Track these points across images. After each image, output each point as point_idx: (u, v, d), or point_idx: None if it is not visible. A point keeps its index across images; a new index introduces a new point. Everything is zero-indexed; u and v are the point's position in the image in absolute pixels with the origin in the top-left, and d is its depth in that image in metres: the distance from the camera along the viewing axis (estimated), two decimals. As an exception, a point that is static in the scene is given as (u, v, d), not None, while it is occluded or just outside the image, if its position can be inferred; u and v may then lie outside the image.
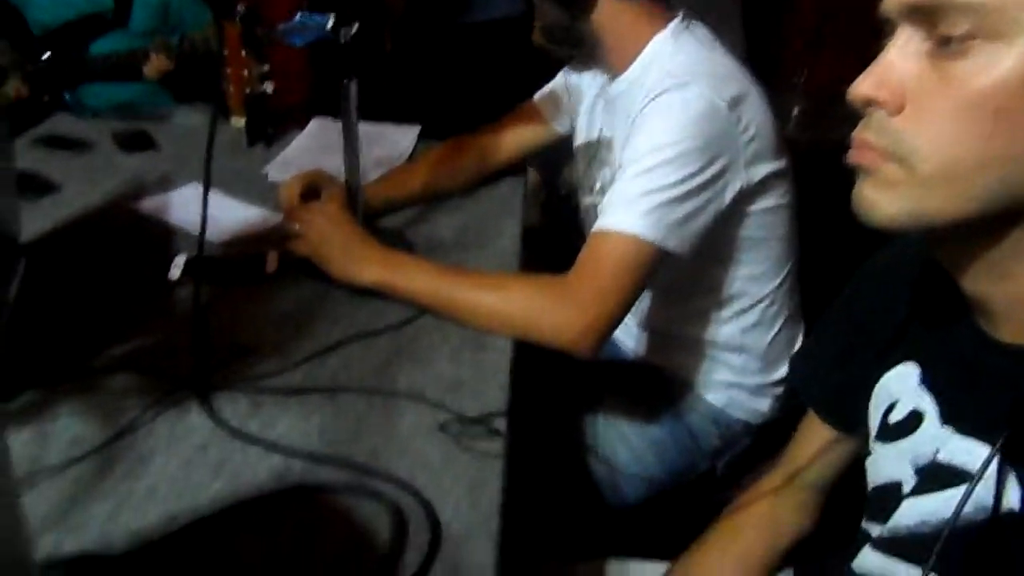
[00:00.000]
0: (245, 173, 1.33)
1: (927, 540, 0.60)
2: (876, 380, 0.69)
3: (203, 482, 0.73)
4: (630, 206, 0.92)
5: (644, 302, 1.17)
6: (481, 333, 0.94)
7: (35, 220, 1.11)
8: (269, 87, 1.40)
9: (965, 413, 0.60)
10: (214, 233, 1.12)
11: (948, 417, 0.61)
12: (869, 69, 0.53)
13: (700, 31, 1.03)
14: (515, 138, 1.26)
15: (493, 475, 0.75)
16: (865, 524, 0.71)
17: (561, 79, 1.23)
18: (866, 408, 0.71)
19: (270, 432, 0.79)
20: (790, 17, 2.39)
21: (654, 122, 0.95)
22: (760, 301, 1.10)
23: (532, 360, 0.96)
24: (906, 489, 0.64)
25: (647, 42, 1.02)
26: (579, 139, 1.20)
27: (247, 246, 1.11)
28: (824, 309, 0.82)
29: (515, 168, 1.34)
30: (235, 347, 0.90)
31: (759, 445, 1.17)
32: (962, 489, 0.56)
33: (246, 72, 1.19)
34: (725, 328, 1.12)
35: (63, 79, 1.72)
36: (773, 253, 1.09)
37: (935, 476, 0.61)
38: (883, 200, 0.53)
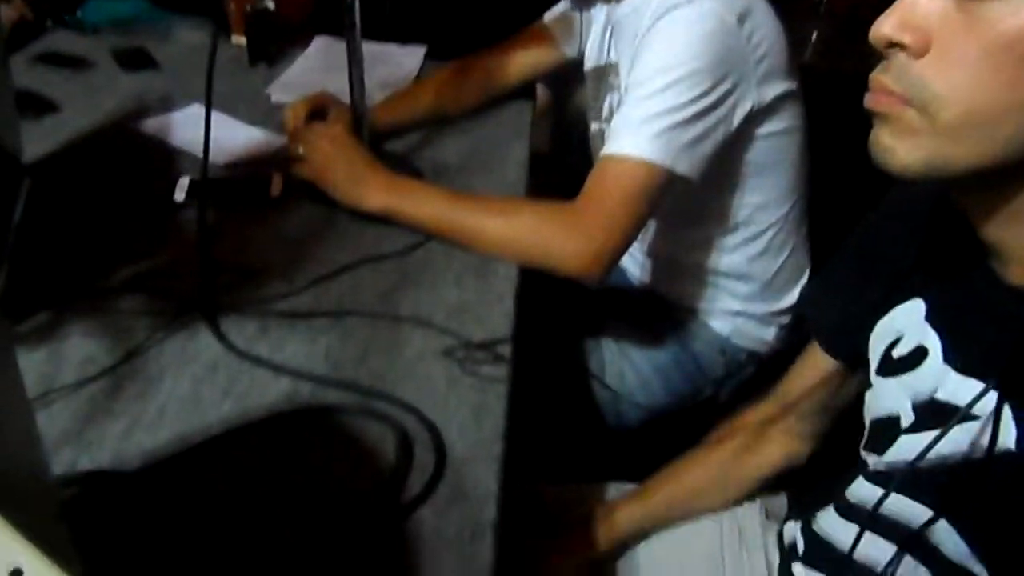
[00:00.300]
0: (247, 93, 1.30)
1: (923, 474, 0.61)
2: (883, 314, 0.70)
3: (212, 403, 0.74)
4: (638, 130, 0.91)
5: (651, 229, 1.16)
6: (487, 259, 0.94)
7: (37, 140, 1.10)
8: (271, 3, 1.37)
9: (968, 352, 0.60)
10: (217, 155, 1.11)
11: (950, 355, 0.61)
12: (893, 7, 0.51)
13: None
14: (523, 60, 1.23)
15: (497, 400, 0.76)
16: (863, 455, 0.72)
17: (571, 1, 1.19)
18: (867, 341, 0.71)
19: (277, 354, 0.80)
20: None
21: (661, 41, 0.92)
22: (768, 229, 1.09)
23: (538, 286, 0.96)
24: (904, 423, 0.65)
25: None
26: (588, 64, 1.16)
27: (251, 168, 1.10)
28: (833, 240, 0.81)
29: (523, 91, 1.31)
30: (241, 270, 0.90)
31: (763, 374, 1.19)
32: (960, 426, 0.57)
33: (247, -12, 1.16)
34: (732, 256, 1.11)
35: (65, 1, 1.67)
36: (782, 180, 1.07)
37: (933, 413, 0.62)
38: (901, 148, 0.52)
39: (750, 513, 0.94)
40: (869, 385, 0.72)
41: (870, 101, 0.53)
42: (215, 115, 1.22)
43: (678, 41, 0.91)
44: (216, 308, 0.84)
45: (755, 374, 1.19)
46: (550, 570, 0.89)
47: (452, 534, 0.64)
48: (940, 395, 0.61)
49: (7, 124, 0.99)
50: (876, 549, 0.66)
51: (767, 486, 0.94)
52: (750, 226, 1.09)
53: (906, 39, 0.50)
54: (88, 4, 1.75)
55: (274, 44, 1.44)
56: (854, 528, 0.69)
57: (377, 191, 0.96)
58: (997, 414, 0.56)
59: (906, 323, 0.67)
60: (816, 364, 0.84)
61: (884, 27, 0.51)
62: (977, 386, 0.58)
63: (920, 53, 0.50)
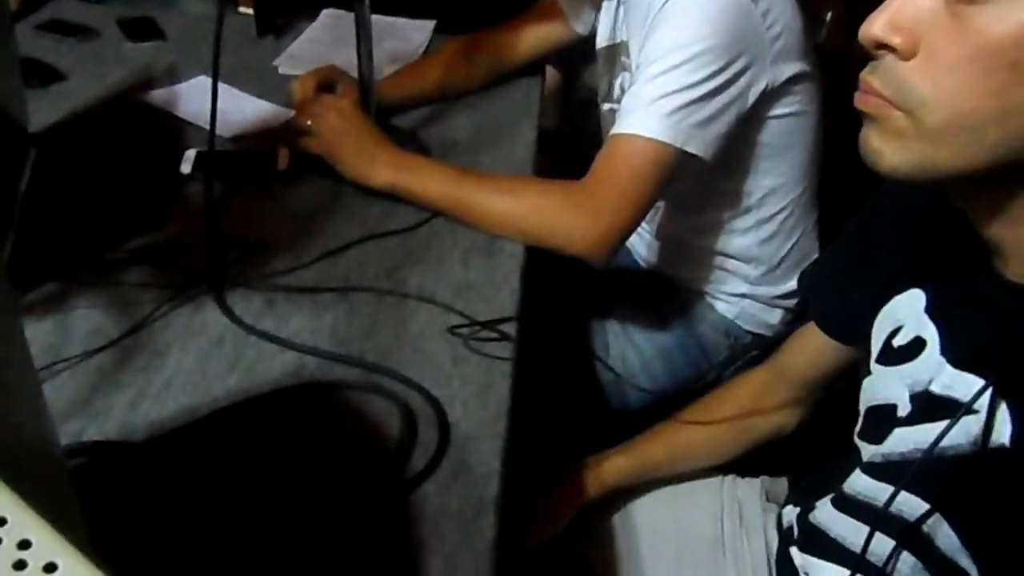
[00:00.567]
0: (255, 65, 1.29)
1: (920, 468, 0.61)
2: (884, 302, 0.70)
3: (218, 376, 0.74)
4: (649, 109, 0.89)
5: (660, 211, 1.15)
6: (493, 237, 0.94)
7: (43, 110, 1.10)
8: (279, -26, 1.36)
9: (964, 346, 0.60)
10: (223, 128, 1.10)
11: (947, 348, 0.61)
12: (883, 6, 0.50)
13: None
14: (533, 36, 1.22)
15: (502, 378, 0.77)
16: (857, 441, 0.72)
17: None
18: (870, 328, 0.71)
19: (283, 329, 0.80)
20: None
21: (674, 19, 0.90)
22: (779, 212, 1.09)
23: (544, 265, 0.96)
24: (901, 412, 0.66)
25: None
26: (599, 43, 1.15)
27: (258, 141, 1.10)
28: (841, 224, 0.81)
29: (532, 68, 1.30)
30: (248, 243, 0.90)
31: (766, 357, 1.18)
32: (957, 421, 0.58)
33: (254, -43, 1.15)
34: (741, 239, 1.11)
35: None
36: (795, 163, 1.06)
37: (928, 406, 0.62)
38: (888, 150, 0.51)
39: (750, 494, 0.94)
40: (868, 372, 0.72)
41: (859, 101, 0.53)
42: (222, 87, 1.22)
43: (692, 18, 0.89)
44: (223, 282, 0.84)
45: (759, 357, 1.19)
46: (540, 516, 0.91)
47: (455, 510, 0.64)
48: (935, 388, 0.61)
49: (13, 93, 0.98)
50: (878, 542, 0.67)
51: (769, 464, 0.95)
52: (761, 209, 1.08)
53: (894, 41, 0.50)
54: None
55: (282, 16, 1.43)
56: (852, 522, 0.70)
57: (384, 167, 0.96)
58: (991, 410, 0.56)
59: (907, 313, 0.67)
60: (813, 341, 0.85)
61: (873, 28, 0.50)
62: (972, 380, 0.58)
63: (908, 56, 0.50)
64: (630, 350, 1.14)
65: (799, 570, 0.78)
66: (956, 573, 0.61)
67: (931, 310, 0.64)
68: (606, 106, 1.16)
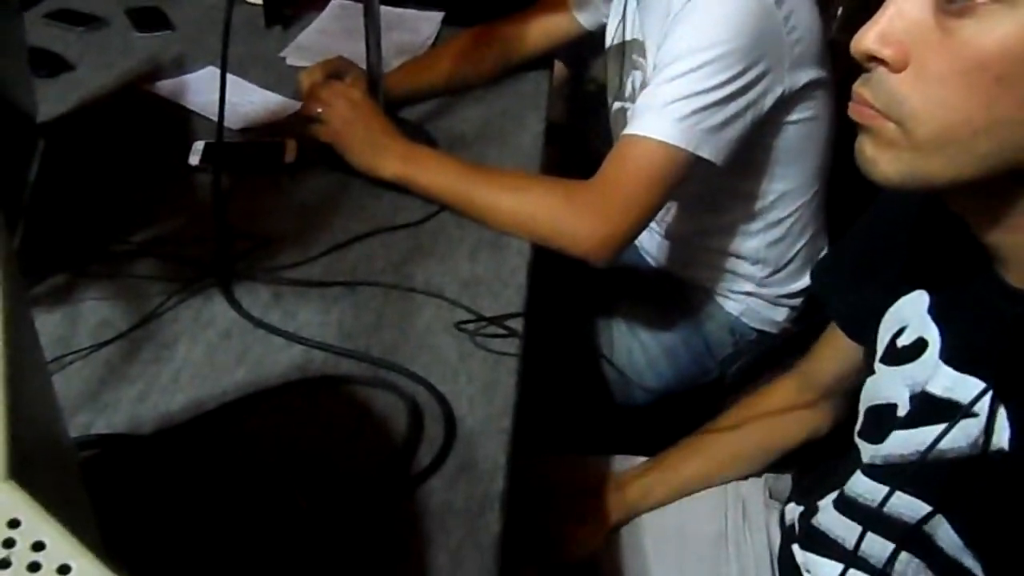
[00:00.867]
0: (262, 56, 1.29)
1: (922, 469, 0.62)
2: (892, 302, 0.70)
3: (226, 369, 0.75)
4: (663, 111, 0.88)
5: (672, 212, 1.15)
6: (501, 233, 0.94)
7: (51, 100, 1.10)
8: (287, -36, 1.35)
9: (965, 349, 0.60)
10: (231, 119, 1.10)
11: (946, 351, 0.62)
12: (875, 18, 0.50)
13: None
14: (540, 30, 1.21)
15: (508, 374, 0.77)
16: (857, 440, 0.73)
17: None
18: (877, 328, 0.72)
19: (290, 323, 0.80)
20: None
21: (695, 19, 0.89)
22: (788, 216, 1.08)
23: (551, 262, 0.96)
24: (900, 412, 0.66)
25: None
26: (610, 39, 1.14)
27: (265, 133, 1.10)
28: (850, 224, 0.81)
29: (541, 61, 1.30)
30: (255, 236, 0.90)
31: (771, 354, 1.19)
32: (956, 423, 0.58)
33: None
34: (750, 241, 1.10)
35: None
36: (808, 167, 1.05)
37: (928, 408, 0.62)
38: (881, 159, 0.52)
39: (754, 491, 0.95)
40: (872, 372, 0.72)
41: (852, 111, 0.53)
42: (231, 78, 1.22)
43: (713, 20, 0.88)
44: (231, 275, 0.84)
45: (764, 354, 1.19)
46: (568, 540, 0.91)
47: (460, 506, 0.65)
48: (934, 389, 0.62)
49: (21, 83, 0.98)
50: (875, 542, 0.67)
51: (774, 462, 0.95)
52: (772, 212, 1.08)
53: (885, 53, 0.50)
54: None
55: (290, 6, 1.43)
56: (853, 524, 0.70)
57: (393, 159, 0.96)
58: (991, 414, 0.56)
59: (911, 314, 0.67)
60: (839, 344, 0.84)
61: (865, 40, 0.51)
62: (973, 383, 0.58)
63: (898, 68, 0.50)
64: (636, 347, 1.14)
65: (801, 568, 0.79)
66: (960, 572, 0.61)
67: (934, 312, 0.64)
68: (617, 105, 1.15)
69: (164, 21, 1.36)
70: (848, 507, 0.72)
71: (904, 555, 0.65)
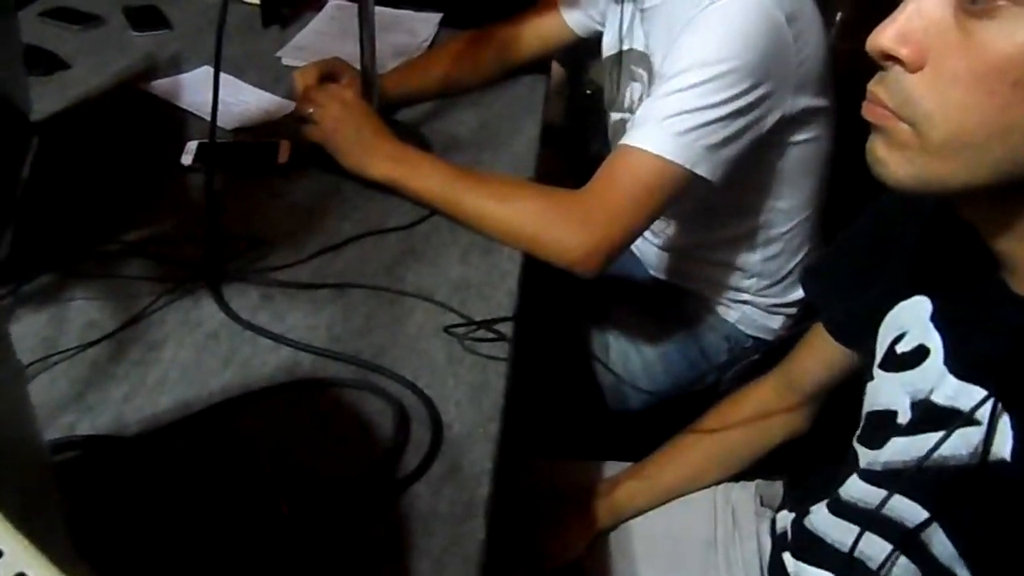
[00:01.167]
0: (258, 56, 1.29)
1: (921, 475, 0.61)
2: (890, 307, 0.69)
3: (213, 371, 0.74)
4: (662, 124, 0.86)
5: (671, 225, 1.14)
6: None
7: (45, 98, 1.10)
8: (284, -36, 1.35)
9: (968, 357, 0.60)
10: (226, 119, 1.10)
11: (950, 358, 0.61)
12: (893, 16, 0.50)
13: None
14: (535, 34, 1.21)
15: (497, 378, 0.76)
16: (856, 445, 0.72)
17: None
18: (875, 333, 0.71)
19: (279, 325, 0.80)
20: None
21: (703, 32, 0.87)
22: (787, 232, 1.08)
23: (547, 266, 0.95)
24: (901, 419, 0.65)
25: None
26: (609, 49, 1.13)
27: (259, 134, 1.10)
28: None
29: (538, 65, 1.29)
30: (246, 238, 0.90)
31: (768, 361, 1.18)
32: (959, 431, 0.57)
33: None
34: (748, 255, 1.09)
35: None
36: (809, 185, 1.05)
37: (929, 415, 0.62)
38: (892, 161, 0.51)
39: (745, 497, 0.94)
40: (871, 377, 0.72)
41: (866, 111, 0.53)
42: (226, 78, 1.22)
43: (723, 35, 0.86)
44: (220, 276, 0.84)
45: (759, 361, 1.18)
46: (554, 545, 0.91)
47: (445, 511, 0.64)
48: (936, 397, 0.61)
49: (15, 81, 0.98)
50: (870, 546, 0.67)
51: (765, 467, 0.94)
52: (772, 228, 1.07)
53: (902, 52, 0.49)
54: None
55: (288, 6, 1.42)
56: (847, 526, 0.70)
57: (383, 160, 0.95)
58: (993, 422, 0.56)
59: (911, 320, 0.66)
60: (822, 347, 0.84)
61: (882, 38, 0.50)
62: (974, 391, 0.58)
63: (915, 68, 0.49)
64: (631, 352, 1.13)
65: (791, 576, 0.78)
66: None
67: (936, 319, 0.64)
68: (617, 116, 1.13)
69: (162, 20, 1.36)
70: (844, 510, 0.71)
71: (903, 559, 0.65)
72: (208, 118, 0.84)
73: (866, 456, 0.70)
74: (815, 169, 1.03)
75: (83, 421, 0.68)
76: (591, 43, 1.20)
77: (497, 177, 0.98)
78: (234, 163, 1.02)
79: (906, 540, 0.63)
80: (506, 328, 0.82)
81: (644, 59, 1.04)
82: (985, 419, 0.56)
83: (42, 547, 0.27)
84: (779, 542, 0.83)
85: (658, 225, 1.15)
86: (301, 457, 0.67)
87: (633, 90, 1.08)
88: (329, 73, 1.12)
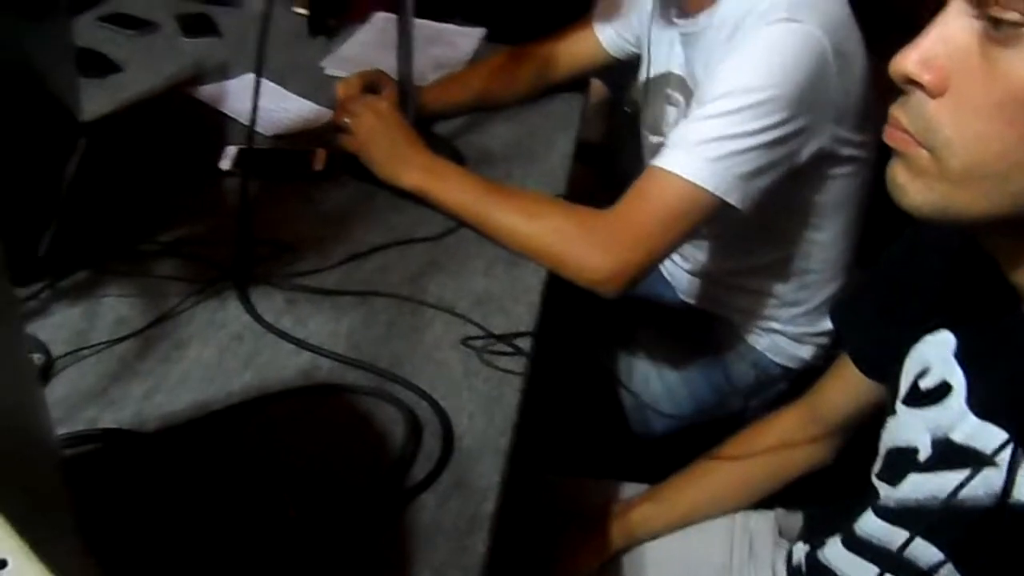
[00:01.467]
0: (303, 65, 1.32)
1: (938, 516, 0.60)
2: (915, 341, 0.68)
3: (234, 371, 0.76)
4: (695, 149, 0.85)
5: (701, 251, 1.13)
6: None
7: (97, 100, 1.14)
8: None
9: (990, 396, 0.58)
10: (266, 126, 1.13)
11: (972, 396, 0.59)
12: (916, 42, 0.49)
13: None
14: (572, 53, 1.21)
15: (511, 392, 0.76)
16: (875, 480, 0.70)
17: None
18: (900, 367, 0.69)
19: (301, 329, 0.81)
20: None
21: (747, 57, 0.85)
22: (823, 262, 1.06)
23: (572, 284, 0.95)
24: (921, 456, 0.64)
25: None
26: (647, 71, 1.12)
27: (297, 141, 1.12)
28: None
29: (577, 83, 1.30)
30: (276, 242, 0.91)
31: (794, 390, 1.16)
32: (980, 472, 0.56)
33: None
34: (781, 284, 1.08)
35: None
36: (846, 217, 1.03)
37: (949, 454, 0.60)
38: (911, 187, 0.51)
39: (763, 527, 0.93)
40: (893, 412, 0.70)
41: (887, 135, 0.52)
42: (270, 85, 1.25)
43: (765, 62, 0.85)
44: (248, 279, 0.85)
45: (787, 391, 1.16)
46: (567, 564, 0.90)
47: (449, 524, 0.64)
48: (956, 437, 0.60)
49: (67, 83, 1.02)
50: None
51: (786, 497, 0.93)
52: (806, 259, 1.05)
53: (924, 78, 0.48)
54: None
55: (335, 17, 1.45)
56: (860, 562, 0.68)
57: (413, 169, 0.97)
58: (1013, 465, 0.54)
59: (935, 355, 0.65)
60: (849, 379, 0.82)
61: (905, 63, 0.49)
62: (994, 432, 0.56)
63: (936, 94, 0.48)
64: (653, 374, 1.12)
65: (804, 610, 0.76)
66: None
67: (960, 355, 0.62)
68: (655, 139, 1.12)
69: (212, 27, 1.40)
70: (858, 546, 0.70)
71: None
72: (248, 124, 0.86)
73: (884, 490, 0.68)
74: (853, 202, 1.02)
75: (105, 414, 0.70)
76: (633, 63, 1.20)
77: (526, 193, 0.99)
78: (270, 169, 1.05)
79: None
80: (524, 343, 0.82)
81: (682, 83, 1.04)
82: (1003, 462, 0.55)
83: (48, 550, 0.28)
84: (794, 574, 0.81)
85: (688, 250, 1.14)
86: (311, 461, 0.68)
87: (669, 114, 1.07)
88: (371, 84, 1.14)
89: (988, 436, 0.57)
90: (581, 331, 1.14)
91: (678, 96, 1.05)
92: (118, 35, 1.35)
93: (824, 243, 1.04)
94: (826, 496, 0.89)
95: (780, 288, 1.08)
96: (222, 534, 0.61)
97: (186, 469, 0.66)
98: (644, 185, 0.89)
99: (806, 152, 0.90)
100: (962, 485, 0.56)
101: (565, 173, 1.11)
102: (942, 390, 0.63)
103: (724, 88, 0.86)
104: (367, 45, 1.41)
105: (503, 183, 1.00)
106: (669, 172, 0.87)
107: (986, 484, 0.56)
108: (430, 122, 1.17)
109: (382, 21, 1.48)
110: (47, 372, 0.73)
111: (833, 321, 0.88)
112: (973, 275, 0.61)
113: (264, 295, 0.85)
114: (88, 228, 0.90)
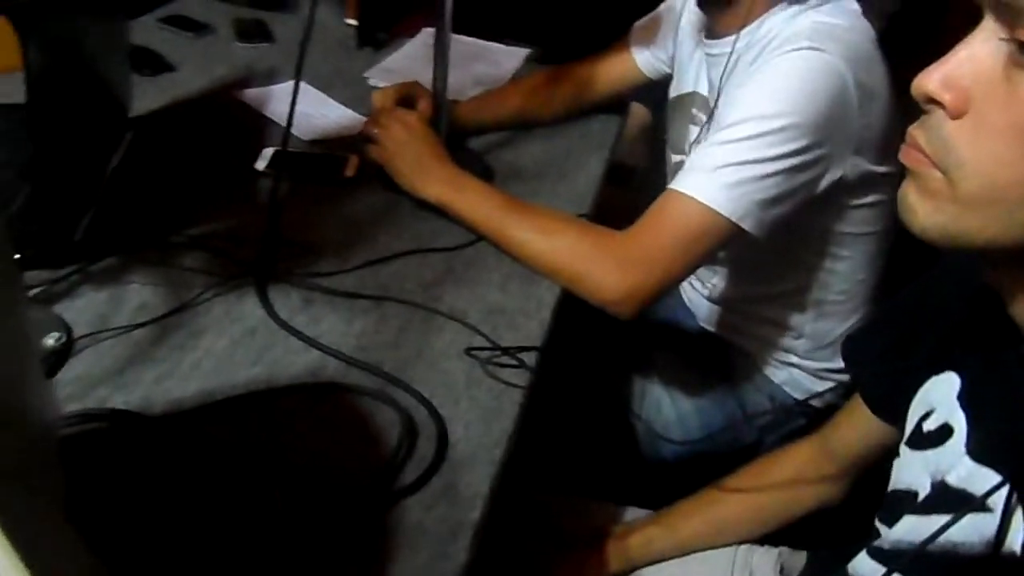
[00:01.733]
0: (348, 74, 1.36)
1: (930, 559, 0.58)
2: (922, 383, 0.66)
3: (243, 365, 0.78)
4: (713, 174, 0.85)
5: (718, 276, 1.12)
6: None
7: (148, 97, 1.19)
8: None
9: (986, 438, 0.57)
10: (305, 130, 1.16)
11: (971, 439, 0.58)
12: (943, 59, 0.48)
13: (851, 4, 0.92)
14: (609, 74, 1.22)
15: (511, 405, 0.77)
16: (876, 522, 0.69)
17: (663, 8, 1.15)
18: (907, 408, 0.68)
19: (314, 328, 0.83)
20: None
21: (769, 83, 0.86)
22: (842, 293, 1.04)
23: (589, 306, 0.95)
24: (920, 499, 0.62)
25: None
26: (674, 92, 1.13)
27: (332, 147, 1.15)
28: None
29: (615, 105, 1.30)
30: (300, 242, 0.94)
31: (813, 427, 1.14)
32: (967, 516, 0.54)
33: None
34: (799, 315, 1.06)
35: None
36: (867, 248, 1.01)
37: (943, 497, 0.59)
38: (921, 209, 0.50)
39: (766, 562, 0.91)
40: (898, 454, 0.69)
41: (903, 154, 0.51)
42: (313, 92, 1.29)
43: (786, 88, 0.84)
44: (269, 276, 0.88)
45: (806, 426, 1.14)
46: None
47: (433, 528, 0.65)
48: (951, 479, 0.58)
49: (120, 79, 1.07)
50: None
51: (791, 536, 0.91)
52: (824, 289, 1.04)
53: (945, 98, 0.48)
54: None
55: (384, 30, 1.49)
56: None
57: (436, 182, 0.98)
58: (1007, 511, 0.52)
59: (940, 397, 0.63)
60: (861, 417, 0.81)
61: (928, 83, 0.49)
62: (989, 475, 0.55)
63: (956, 115, 0.48)
64: (665, 401, 1.11)
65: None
66: None
67: (963, 397, 0.61)
68: (677, 158, 1.13)
69: (266, 33, 1.45)
70: None
71: None
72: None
73: (882, 533, 0.67)
74: (875, 233, 1.00)
75: (116, 396, 0.72)
76: (669, 84, 1.20)
77: (545, 211, 0.99)
78: (303, 171, 1.08)
79: None
80: (530, 358, 0.82)
81: (705, 104, 1.04)
82: (996, 506, 0.53)
83: (33, 532, 0.29)
84: (789, 613, 0.79)
85: (705, 275, 1.13)
86: (306, 456, 0.70)
87: (691, 133, 1.07)
88: (407, 96, 1.16)
89: (982, 479, 0.55)
90: (596, 351, 1.14)
91: (701, 116, 1.05)
92: (176, 36, 1.40)
93: (843, 273, 1.02)
94: (831, 537, 0.87)
95: (797, 318, 1.07)
96: (209, 520, 0.63)
97: (184, 454, 0.68)
98: (660, 207, 0.89)
99: (825, 181, 0.89)
100: (947, 526, 0.55)
101: (592, 193, 1.12)
102: (943, 432, 0.61)
103: (743, 113, 0.86)
104: (411, 58, 1.44)
105: (528, 200, 1.01)
106: (686, 195, 0.87)
107: (980, 530, 0.55)
108: (464, 136, 1.19)
109: (429, 36, 1.51)
110: (67, 351, 0.76)
111: (844, 357, 0.86)
112: (978, 313, 0.60)
113: (282, 292, 0.87)
114: (124, 217, 0.93)
